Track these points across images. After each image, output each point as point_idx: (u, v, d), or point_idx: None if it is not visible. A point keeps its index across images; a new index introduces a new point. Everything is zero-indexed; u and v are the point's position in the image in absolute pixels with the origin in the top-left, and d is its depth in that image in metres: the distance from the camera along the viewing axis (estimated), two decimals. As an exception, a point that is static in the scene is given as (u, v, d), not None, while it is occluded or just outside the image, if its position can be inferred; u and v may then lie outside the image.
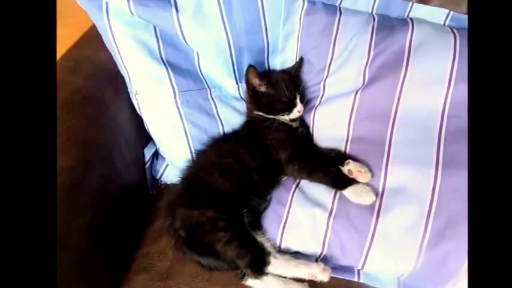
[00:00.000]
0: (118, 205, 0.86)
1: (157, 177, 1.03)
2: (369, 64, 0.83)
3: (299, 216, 0.80)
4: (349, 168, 0.79)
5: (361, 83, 0.84)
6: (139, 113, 0.94)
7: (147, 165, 1.00)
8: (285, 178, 0.89)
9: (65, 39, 0.90)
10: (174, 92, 0.89)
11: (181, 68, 0.90)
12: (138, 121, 0.96)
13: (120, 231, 0.85)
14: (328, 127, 0.89)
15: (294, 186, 0.86)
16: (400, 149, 0.77)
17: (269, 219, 0.82)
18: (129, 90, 0.92)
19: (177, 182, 0.91)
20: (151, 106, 0.92)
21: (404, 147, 0.77)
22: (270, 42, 0.93)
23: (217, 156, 0.87)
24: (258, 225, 0.81)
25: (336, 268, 0.78)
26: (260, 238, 0.78)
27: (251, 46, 0.91)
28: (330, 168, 0.80)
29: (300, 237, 0.79)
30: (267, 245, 0.77)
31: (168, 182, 1.03)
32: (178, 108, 0.90)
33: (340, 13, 0.87)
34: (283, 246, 0.80)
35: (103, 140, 0.84)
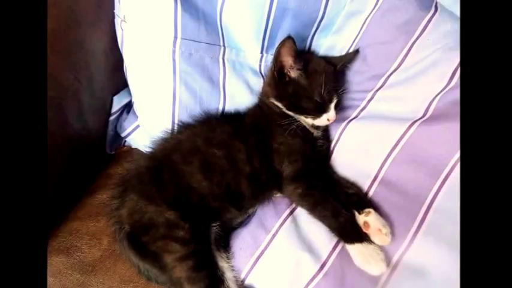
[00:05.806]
0: (59, 155, 0.72)
1: (122, 135, 0.90)
2: (443, 93, 0.67)
3: (281, 254, 0.68)
4: (368, 220, 0.64)
5: (422, 114, 0.69)
6: (120, 47, 0.79)
7: (112, 117, 0.86)
8: (278, 195, 0.76)
9: None
10: (175, 37, 0.73)
11: (195, 7, 0.73)
12: (116, 58, 0.80)
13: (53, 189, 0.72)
14: (357, 152, 0.74)
15: (287, 212, 0.73)
16: (440, 219, 0.62)
17: (243, 242, 0.71)
18: (115, 12, 0.76)
19: (144, 154, 0.78)
20: (139, 44, 0.75)
21: (446, 219, 0.61)
22: (325, 15, 0.78)
23: (204, 141, 0.72)
24: (225, 245, 0.71)
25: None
26: (223, 263, 0.67)
27: (299, 11, 0.76)
28: (342, 209, 0.66)
29: (272, 280, 0.67)
30: (228, 276, 0.66)
31: (133, 147, 0.91)
32: (174, 59, 0.74)
33: (436, 10, 0.71)
34: (247, 282, 0.68)
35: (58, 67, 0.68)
